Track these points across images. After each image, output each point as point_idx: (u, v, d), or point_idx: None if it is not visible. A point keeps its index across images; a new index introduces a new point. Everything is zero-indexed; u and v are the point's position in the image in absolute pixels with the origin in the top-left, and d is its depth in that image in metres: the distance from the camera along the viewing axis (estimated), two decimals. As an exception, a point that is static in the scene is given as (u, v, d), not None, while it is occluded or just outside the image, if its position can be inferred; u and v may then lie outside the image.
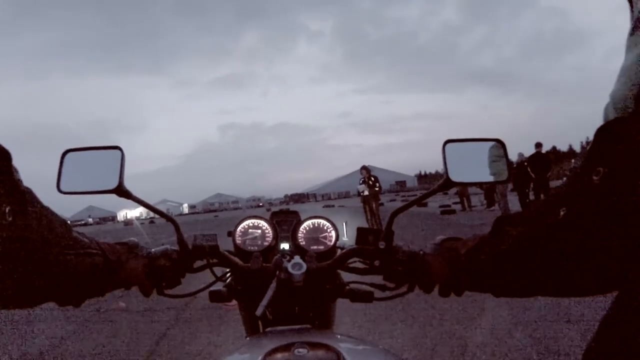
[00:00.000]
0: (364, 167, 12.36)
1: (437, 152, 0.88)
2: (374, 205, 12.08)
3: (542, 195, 13.41)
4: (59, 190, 0.86)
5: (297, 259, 0.92)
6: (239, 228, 1.10)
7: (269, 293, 0.86)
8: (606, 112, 0.68)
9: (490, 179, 0.92)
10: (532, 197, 14.00)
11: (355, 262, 0.98)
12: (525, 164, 13.83)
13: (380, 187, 12.30)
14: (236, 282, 1.00)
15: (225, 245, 1.01)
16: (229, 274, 1.03)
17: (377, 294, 0.97)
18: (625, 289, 0.62)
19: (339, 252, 1.06)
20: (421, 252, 0.91)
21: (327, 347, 0.74)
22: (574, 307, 4.07)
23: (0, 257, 0.62)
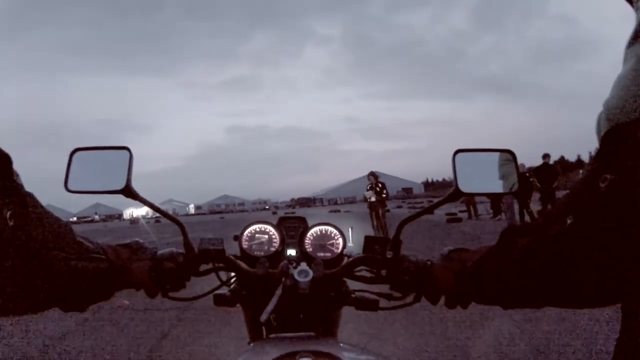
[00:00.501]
0: (371, 173, 12.33)
1: (444, 159, 0.87)
2: (380, 211, 12.05)
3: (548, 206, 13.38)
4: (67, 189, 0.86)
5: (303, 265, 0.91)
6: (246, 232, 1.09)
7: (274, 299, 0.86)
8: (599, 121, 0.67)
9: (500, 189, 0.92)
10: (537, 207, 13.94)
11: (362, 270, 0.97)
12: (527, 174, 13.81)
13: (387, 193, 12.28)
14: (241, 286, 0.99)
15: (230, 249, 1.01)
16: (234, 279, 1.03)
17: (383, 303, 0.96)
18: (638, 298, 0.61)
19: (345, 259, 1.05)
20: (429, 263, 0.90)
21: (331, 357, 0.74)
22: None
23: (2, 262, 0.61)
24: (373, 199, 12.01)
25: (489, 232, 12.31)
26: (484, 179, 0.90)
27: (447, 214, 19.38)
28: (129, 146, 0.89)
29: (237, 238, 1.09)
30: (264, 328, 1.04)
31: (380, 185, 12.14)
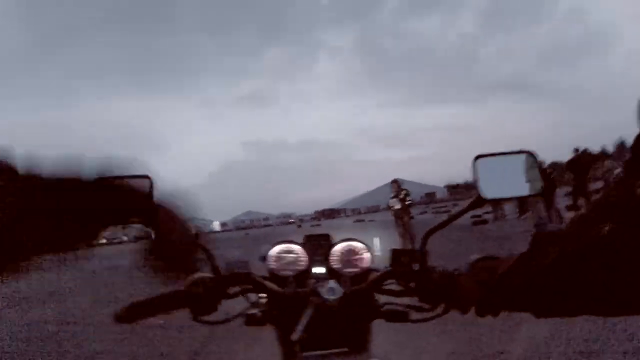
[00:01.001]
0: (394, 181, 12.30)
1: (463, 161, 0.87)
2: (405, 219, 11.99)
3: (578, 200, 13.29)
4: None
5: (331, 283, 0.92)
6: (272, 253, 1.11)
7: (305, 318, 0.87)
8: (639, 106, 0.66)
9: (524, 192, 0.91)
10: (566, 202, 13.73)
11: (390, 283, 0.97)
12: (548, 171, 13.63)
13: (412, 200, 12.24)
14: (271, 306, 1.01)
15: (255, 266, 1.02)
16: (263, 299, 1.04)
17: (413, 315, 0.96)
18: None
19: (373, 273, 1.05)
20: (456, 273, 0.90)
21: None
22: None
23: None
24: (397, 206, 11.96)
25: (518, 232, 12.08)
26: (507, 183, 0.89)
27: (473, 216, 19.09)
28: (149, 171, 0.90)
29: (264, 258, 1.11)
30: (297, 346, 1.05)
31: (403, 192, 12.10)
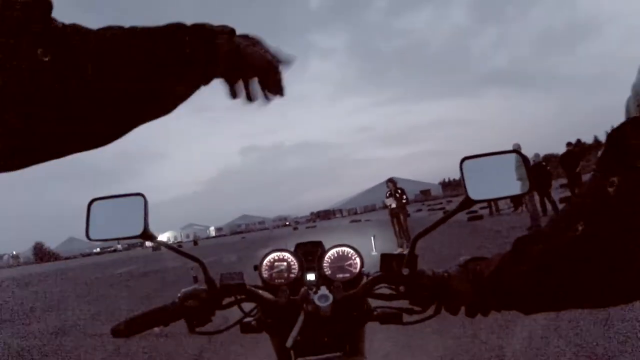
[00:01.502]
0: (390, 180, 12.36)
1: (458, 157, 0.87)
2: (401, 217, 12.03)
3: (576, 191, 13.34)
4: (88, 238, 0.90)
5: (323, 290, 0.93)
6: (265, 262, 1.12)
7: (298, 325, 0.88)
8: (628, 105, 0.66)
9: (511, 192, 0.91)
10: (562, 194, 13.81)
11: (381, 288, 0.98)
12: (544, 163, 13.71)
13: (407, 199, 12.29)
14: (265, 315, 1.02)
15: (251, 278, 1.03)
16: (257, 307, 1.05)
17: (405, 317, 0.97)
18: None
19: (364, 278, 1.06)
20: (445, 275, 0.91)
21: None
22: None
23: (39, 95, 0.62)
24: (394, 205, 12.01)
25: (513, 227, 12.15)
26: (495, 183, 0.90)
27: (468, 212, 19.17)
28: (143, 181, 0.93)
29: (257, 268, 1.12)
30: (292, 352, 1.06)
31: (399, 191, 12.16)
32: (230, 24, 0.81)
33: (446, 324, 3.92)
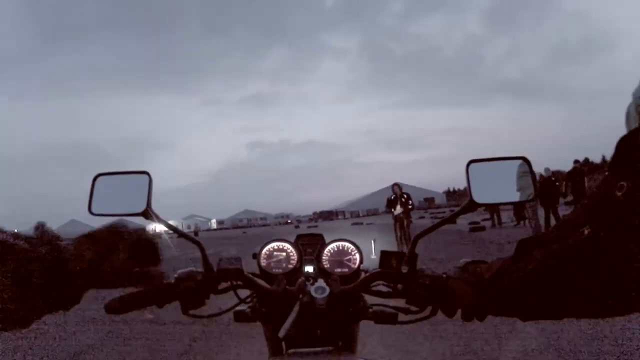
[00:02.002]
0: (395, 184, 12.35)
1: (464, 166, 0.87)
2: (405, 223, 12.02)
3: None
4: (90, 212, 0.90)
5: (320, 282, 0.93)
6: (264, 251, 1.12)
7: (292, 316, 0.87)
8: (628, 112, 0.66)
9: (516, 198, 0.91)
10: (565, 211, 13.72)
11: (378, 285, 0.98)
12: (553, 179, 13.65)
13: (413, 204, 12.30)
14: (260, 303, 1.01)
15: (249, 267, 1.03)
16: (253, 295, 1.04)
17: (401, 317, 0.97)
18: None
19: (363, 274, 1.06)
20: (444, 276, 0.90)
21: None
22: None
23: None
24: (400, 210, 12.01)
25: (514, 240, 12.11)
26: (500, 189, 0.89)
27: (470, 223, 19.14)
28: (148, 167, 0.92)
29: (256, 256, 1.12)
30: (283, 343, 1.05)
31: (405, 196, 12.15)
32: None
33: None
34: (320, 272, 1.08)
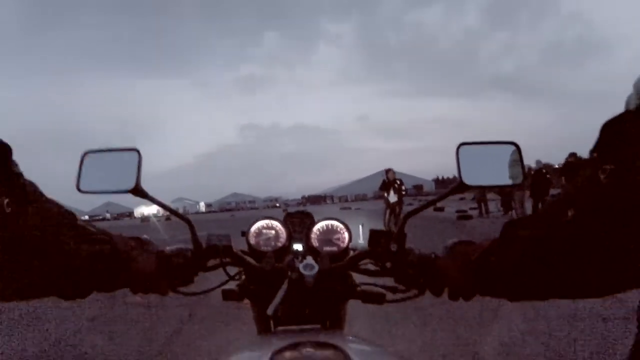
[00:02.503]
0: (389, 170, 12.46)
1: (454, 157, 0.87)
2: (397, 209, 12.13)
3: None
4: (78, 190, 0.89)
5: (309, 259, 0.93)
6: (253, 228, 1.11)
7: (281, 293, 0.87)
8: (628, 102, 0.67)
9: (505, 182, 0.91)
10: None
11: (367, 263, 0.98)
12: (544, 171, 13.77)
13: (406, 190, 12.44)
14: (249, 281, 1.01)
15: (238, 245, 1.03)
16: (241, 273, 1.05)
17: (388, 296, 0.97)
18: None
19: (351, 253, 1.06)
20: (433, 256, 0.91)
21: (334, 348, 0.74)
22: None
23: None
24: (395, 198, 12.11)
25: (499, 229, 12.23)
26: (489, 172, 0.90)
27: (458, 211, 19.29)
28: (138, 147, 0.91)
29: (245, 234, 1.11)
30: (271, 321, 1.06)
31: (398, 182, 12.26)
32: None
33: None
34: (309, 250, 1.08)
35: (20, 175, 0.68)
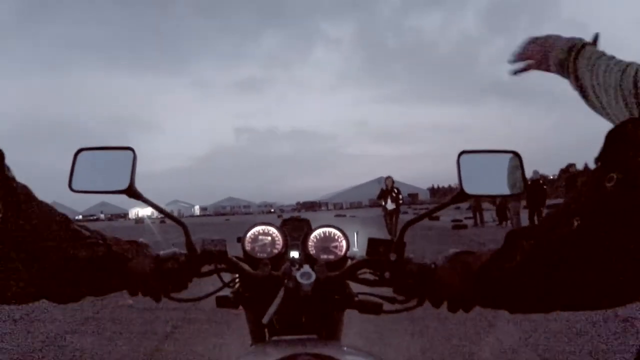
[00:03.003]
0: (388, 177, 12.67)
1: (451, 165, 0.86)
2: (394, 217, 12.32)
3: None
4: (71, 189, 0.87)
5: (306, 268, 0.90)
6: (249, 234, 1.09)
7: (277, 301, 0.85)
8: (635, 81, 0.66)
9: (506, 191, 0.90)
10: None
11: (365, 273, 0.96)
12: (541, 182, 13.84)
13: (403, 199, 12.66)
14: (244, 288, 0.99)
15: (234, 251, 1.00)
16: (236, 280, 1.02)
17: (386, 306, 0.95)
18: None
19: (349, 262, 1.04)
20: (433, 265, 0.89)
21: None
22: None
23: None
24: (390, 204, 12.28)
25: (494, 239, 12.28)
26: (490, 181, 0.89)
27: (453, 221, 19.33)
28: (133, 147, 0.89)
29: (240, 240, 1.09)
30: (266, 330, 1.04)
31: (396, 190, 12.44)
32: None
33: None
34: (306, 257, 1.06)
35: (13, 179, 0.67)
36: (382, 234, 12.04)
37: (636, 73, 0.67)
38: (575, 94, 1.07)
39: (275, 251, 1.06)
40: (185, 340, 4.29)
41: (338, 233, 1.09)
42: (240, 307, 1.01)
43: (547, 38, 1.18)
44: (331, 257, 1.05)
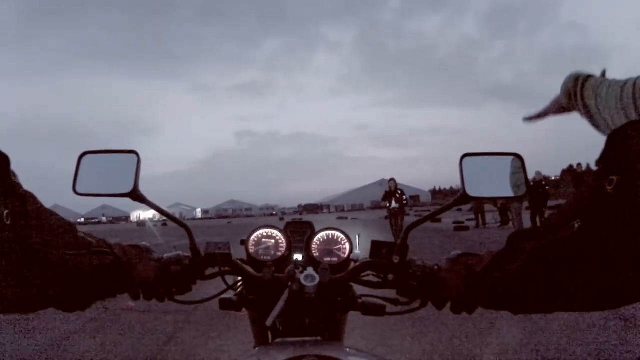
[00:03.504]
0: (392, 180, 12.76)
1: (452, 167, 0.87)
2: (398, 218, 12.38)
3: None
4: (75, 192, 0.87)
5: (310, 270, 0.91)
6: (253, 237, 1.09)
7: (280, 304, 0.85)
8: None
9: (508, 193, 0.90)
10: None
11: (368, 275, 0.97)
12: (543, 183, 13.84)
13: (407, 200, 12.76)
14: (247, 291, 0.99)
15: (237, 253, 1.01)
16: (240, 283, 1.03)
17: (390, 308, 0.95)
18: None
19: (352, 264, 1.04)
20: (436, 268, 0.89)
21: None
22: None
23: None
24: (395, 205, 12.37)
25: (495, 241, 12.27)
26: (492, 183, 0.89)
27: (455, 223, 19.31)
28: (137, 150, 0.90)
29: (244, 242, 1.09)
30: (269, 333, 1.04)
31: (399, 192, 12.52)
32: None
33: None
34: (310, 260, 1.06)
35: (19, 185, 0.67)
36: (382, 234, 12.08)
37: (634, 84, 0.68)
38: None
39: (279, 254, 1.06)
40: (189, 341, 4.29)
41: (341, 236, 1.09)
42: (244, 310, 1.01)
43: None
44: (334, 259, 1.05)
